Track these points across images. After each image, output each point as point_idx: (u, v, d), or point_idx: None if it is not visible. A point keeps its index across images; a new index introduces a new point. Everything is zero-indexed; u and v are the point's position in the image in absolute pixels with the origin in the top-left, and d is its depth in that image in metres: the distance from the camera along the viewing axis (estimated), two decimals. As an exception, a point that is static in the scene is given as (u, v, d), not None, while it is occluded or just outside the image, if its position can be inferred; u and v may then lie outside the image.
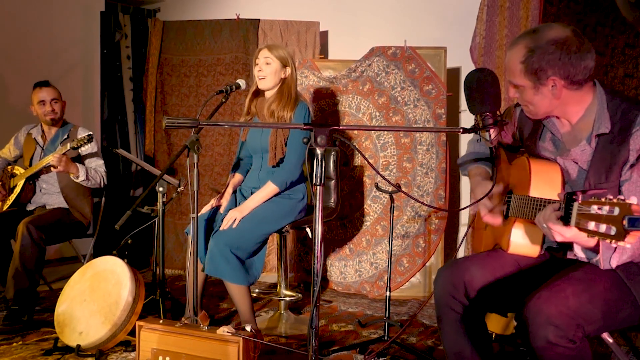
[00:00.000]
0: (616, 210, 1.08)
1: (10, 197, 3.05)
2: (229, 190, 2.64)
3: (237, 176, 2.72)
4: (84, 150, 2.89)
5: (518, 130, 1.75)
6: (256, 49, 3.43)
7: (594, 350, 2.27)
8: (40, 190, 3.08)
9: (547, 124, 1.61)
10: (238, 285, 2.38)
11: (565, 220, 1.23)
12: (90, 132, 2.85)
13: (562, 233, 1.27)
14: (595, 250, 1.42)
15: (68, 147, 2.80)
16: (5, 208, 3.05)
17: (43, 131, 3.12)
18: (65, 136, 3.05)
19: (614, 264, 1.38)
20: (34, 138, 3.11)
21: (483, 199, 1.66)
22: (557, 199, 1.40)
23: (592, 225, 1.12)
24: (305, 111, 2.56)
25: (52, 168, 2.84)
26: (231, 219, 2.42)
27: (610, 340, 1.51)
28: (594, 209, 1.12)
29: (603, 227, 1.10)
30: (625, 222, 1.06)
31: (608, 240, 1.10)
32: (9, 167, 3.17)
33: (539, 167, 1.56)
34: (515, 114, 1.76)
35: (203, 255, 2.43)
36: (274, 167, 2.55)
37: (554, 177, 1.55)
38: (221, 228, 2.43)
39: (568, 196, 1.22)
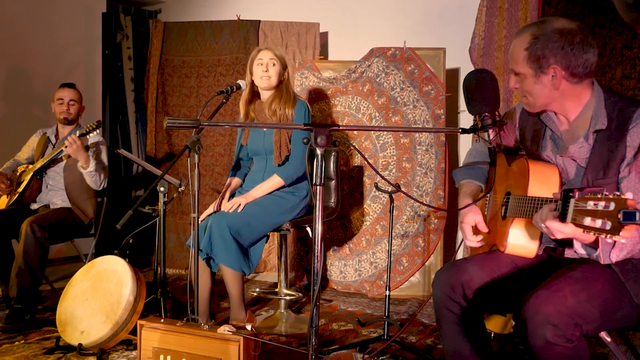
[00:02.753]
0: (612, 205, 1.09)
1: (17, 190, 3.08)
2: (227, 195, 2.67)
3: (235, 180, 2.75)
4: (92, 137, 2.95)
5: (519, 132, 1.76)
6: (257, 49, 3.45)
7: (592, 349, 2.28)
8: (47, 186, 3.11)
9: (547, 122, 1.62)
10: (230, 269, 2.41)
11: (562, 217, 1.23)
12: (99, 119, 2.92)
13: (561, 230, 1.27)
14: (594, 246, 1.42)
15: (77, 134, 2.87)
16: (12, 202, 3.06)
17: (57, 131, 3.20)
18: None
19: (613, 258, 1.39)
20: (48, 137, 3.20)
21: (480, 199, 1.68)
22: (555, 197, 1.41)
23: (588, 221, 1.13)
24: (305, 109, 2.61)
25: (63, 148, 2.88)
26: (236, 204, 2.46)
27: (608, 339, 1.51)
28: (590, 204, 1.13)
29: (599, 222, 1.11)
30: (620, 216, 1.07)
31: (604, 235, 1.11)
32: (19, 167, 3.20)
33: (536, 168, 1.57)
34: (515, 116, 1.77)
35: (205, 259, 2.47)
36: (279, 165, 2.58)
37: (552, 177, 1.55)
38: (224, 209, 2.46)
39: (565, 193, 1.23)
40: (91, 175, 2.97)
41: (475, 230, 1.73)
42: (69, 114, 3.12)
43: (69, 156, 2.99)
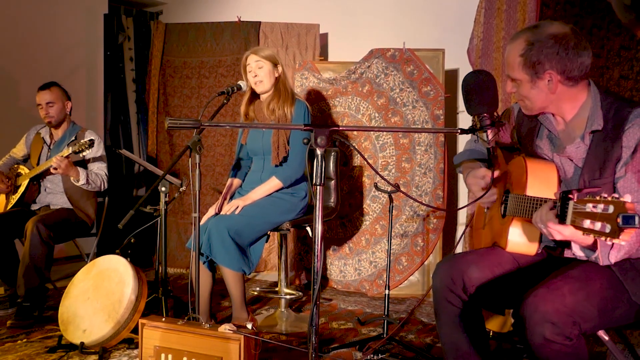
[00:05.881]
0: (611, 208, 1.10)
1: (14, 197, 3.08)
2: (228, 197, 2.69)
3: (235, 181, 2.77)
4: (88, 153, 2.92)
5: (516, 129, 1.78)
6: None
7: (589, 348, 2.30)
8: (45, 189, 3.11)
9: (544, 122, 1.63)
10: (230, 270, 2.42)
11: (561, 218, 1.24)
12: (92, 138, 2.87)
13: (561, 232, 1.29)
14: (593, 248, 1.44)
15: (70, 151, 2.82)
16: (9, 207, 3.08)
17: (51, 132, 3.16)
18: (73, 138, 3.08)
19: (612, 259, 1.40)
20: (42, 137, 3.16)
21: (480, 199, 1.69)
22: (554, 197, 1.42)
23: (587, 223, 1.14)
24: (304, 108, 2.62)
25: (51, 170, 2.87)
26: (234, 206, 2.48)
27: (606, 338, 1.52)
28: (589, 207, 1.14)
29: (598, 225, 1.11)
30: (619, 220, 1.08)
31: (603, 238, 1.12)
32: (15, 165, 3.21)
33: (535, 166, 1.58)
34: (513, 113, 1.79)
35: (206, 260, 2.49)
36: (277, 166, 2.59)
37: (550, 175, 1.57)
38: (222, 212, 2.48)
39: (563, 195, 1.23)
40: (85, 186, 2.97)
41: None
42: (50, 117, 3.05)
43: None
